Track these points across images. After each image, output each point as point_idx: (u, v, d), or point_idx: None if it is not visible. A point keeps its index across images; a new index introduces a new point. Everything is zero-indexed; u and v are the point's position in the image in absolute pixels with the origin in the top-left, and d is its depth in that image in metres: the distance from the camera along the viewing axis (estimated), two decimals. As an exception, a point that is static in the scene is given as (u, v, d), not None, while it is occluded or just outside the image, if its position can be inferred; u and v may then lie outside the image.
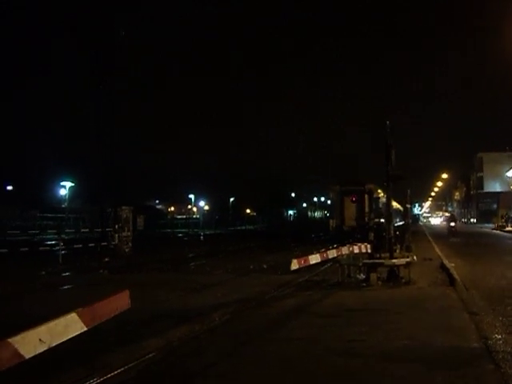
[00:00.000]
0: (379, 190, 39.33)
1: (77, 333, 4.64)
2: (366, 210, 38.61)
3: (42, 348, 4.54)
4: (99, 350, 7.92)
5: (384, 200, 29.90)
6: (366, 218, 37.58)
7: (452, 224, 45.41)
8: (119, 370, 6.76)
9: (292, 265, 12.76)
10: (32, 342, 4.43)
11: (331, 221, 40.91)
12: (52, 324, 4.41)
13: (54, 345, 4.56)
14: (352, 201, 38.65)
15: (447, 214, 54.79)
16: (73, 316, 4.57)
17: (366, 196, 38.91)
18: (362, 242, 17.04)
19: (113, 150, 30.75)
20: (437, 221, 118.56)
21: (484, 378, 6.34)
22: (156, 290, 14.47)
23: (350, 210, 38.81)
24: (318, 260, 13.72)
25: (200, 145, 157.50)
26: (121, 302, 5.39)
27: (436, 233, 51.66)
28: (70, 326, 4.49)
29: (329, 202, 52.45)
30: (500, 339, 8.03)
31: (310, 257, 13.33)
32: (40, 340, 4.42)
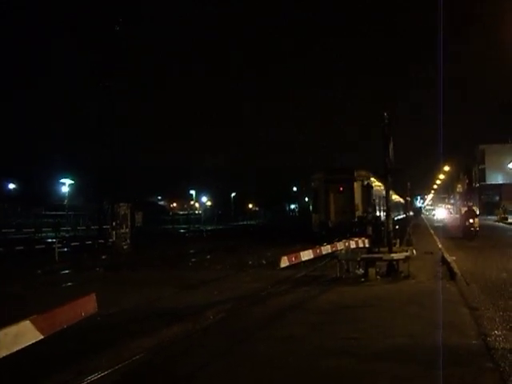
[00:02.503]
0: (372, 178, 33.89)
1: (30, 342, 4.36)
2: (356, 201, 32.39)
3: None
4: (87, 351, 7.73)
5: (378, 189, 29.09)
6: (358, 212, 31.87)
7: (471, 221, 30.29)
8: (103, 374, 6.54)
9: (281, 262, 12.02)
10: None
11: (314, 216, 33.82)
12: (1, 334, 4.14)
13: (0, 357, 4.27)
14: (339, 191, 32.94)
15: (467, 205, 35.09)
16: (26, 324, 4.29)
17: (356, 185, 32.73)
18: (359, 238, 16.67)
19: (112, 148, 30.52)
20: (441, 214, 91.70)
21: (482, 378, 6.11)
22: (151, 287, 14.28)
23: (338, 202, 32.90)
24: (311, 256, 13.28)
25: (201, 143, 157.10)
26: (86, 306, 5.11)
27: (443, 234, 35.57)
28: (22, 336, 4.17)
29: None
30: (500, 336, 7.79)
31: (301, 253, 12.79)
32: None
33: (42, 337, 4.48)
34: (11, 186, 76.49)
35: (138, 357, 7.36)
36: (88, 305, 5.16)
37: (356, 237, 16.61)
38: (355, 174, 32.89)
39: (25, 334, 4.21)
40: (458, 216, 72.02)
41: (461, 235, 30.33)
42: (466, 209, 32.85)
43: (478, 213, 31.79)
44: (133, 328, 9.22)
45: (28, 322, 4.30)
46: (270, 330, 8.91)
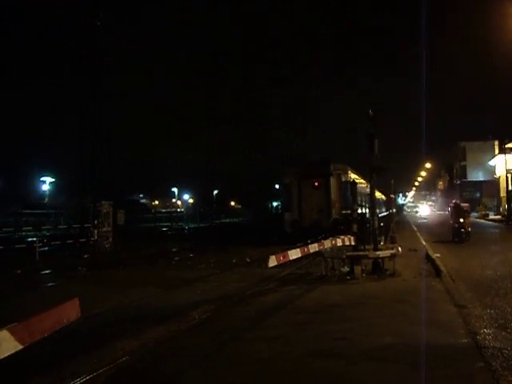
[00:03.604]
0: (350, 172, 31.24)
1: (8, 353, 4.11)
2: (333, 198, 29.73)
3: None
4: (70, 354, 7.49)
5: (358, 184, 28.42)
6: (334, 210, 29.50)
7: (461, 220, 25.70)
8: (85, 379, 6.33)
9: (270, 261, 11.79)
10: None
11: (286, 215, 30.85)
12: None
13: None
14: (314, 187, 29.99)
15: (454, 202, 29.48)
16: (3, 334, 4.03)
17: (333, 180, 29.89)
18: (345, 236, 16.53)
19: (93, 146, 30.02)
20: (424, 210, 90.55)
21: (474, 378, 6.00)
22: (134, 287, 14.03)
23: (312, 199, 30.00)
24: (299, 255, 13.11)
25: (184, 141, 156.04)
26: (69, 311, 4.86)
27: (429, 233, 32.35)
28: (-1, 346, 3.97)
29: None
30: (489, 334, 7.71)
31: (289, 252, 12.63)
32: None
33: (21, 347, 4.23)
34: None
35: (121, 360, 7.16)
36: (71, 310, 4.91)
37: (342, 235, 16.45)
38: (331, 167, 30.13)
39: (1, 344, 3.96)
40: (442, 213, 72.64)
41: (450, 237, 25.93)
42: (453, 204, 28.39)
43: (467, 210, 27.21)
44: (116, 330, 9.00)
45: (5, 331, 4.05)
46: (256, 331, 8.75)
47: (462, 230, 25.32)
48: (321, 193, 29.94)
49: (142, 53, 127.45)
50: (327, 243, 14.53)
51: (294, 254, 12.73)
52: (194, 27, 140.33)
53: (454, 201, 29.62)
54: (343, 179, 30.11)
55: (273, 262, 11.74)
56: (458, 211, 26.27)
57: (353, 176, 31.33)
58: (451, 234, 25.94)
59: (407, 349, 7.16)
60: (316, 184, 29.98)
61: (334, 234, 17.40)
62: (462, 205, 27.82)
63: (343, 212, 28.99)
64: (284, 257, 12.18)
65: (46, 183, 56.08)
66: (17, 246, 27.49)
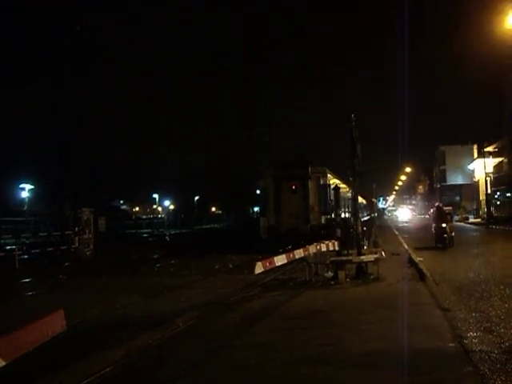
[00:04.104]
0: (330, 175, 29.99)
1: None
2: (311, 202, 28.28)
3: None
4: (50, 365, 7.30)
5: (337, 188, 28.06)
6: (312, 215, 28.11)
7: (443, 225, 23.93)
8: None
9: (256, 268, 11.69)
10: None
11: (262, 220, 29.06)
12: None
13: None
14: (292, 190, 28.41)
15: (436, 205, 26.96)
16: None
17: (311, 183, 28.40)
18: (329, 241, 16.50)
19: (68, 152, 29.68)
20: (405, 214, 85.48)
21: (463, 382, 5.98)
22: (117, 294, 13.83)
23: (290, 203, 28.32)
24: (285, 261, 13.03)
25: (164, 146, 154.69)
26: (54, 324, 4.68)
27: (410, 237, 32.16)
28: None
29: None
30: (475, 337, 7.71)
31: (275, 258, 12.53)
32: None
33: (3, 363, 4.07)
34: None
35: (106, 370, 7.03)
36: (56, 323, 4.73)
37: (325, 240, 16.43)
38: (310, 169, 28.59)
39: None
40: (422, 217, 72.96)
41: (433, 242, 24.51)
42: (435, 207, 26.28)
43: (450, 213, 25.95)
44: (99, 339, 8.83)
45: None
46: (242, 338, 8.65)
47: (445, 235, 23.69)
48: (298, 197, 28.44)
49: (142, 53, 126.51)
50: (312, 248, 14.50)
51: (280, 260, 12.68)
52: (193, 27, 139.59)
53: (436, 204, 27.43)
54: (322, 182, 28.86)
55: (259, 268, 11.66)
56: (440, 215, 24.65)
57: (333, 179, 30.37)
58: (434, 239, 24.49)
59: (394, 354, 7.10)
60: (293, 187, 28.45)
61: (313, 240, 16.71)
62: (445, 208, 26.23)
63: (325, 217, 28.01)
64: (270, 263, 12.11)
65: (25, 190, 55.36)
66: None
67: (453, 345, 7.38)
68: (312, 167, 28.82)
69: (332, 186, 28.31)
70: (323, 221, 27.62)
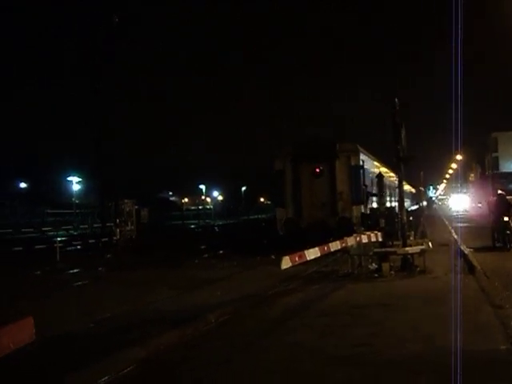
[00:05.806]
0: (363, 155, 24.47)
1: None
2: (339, 188, 22.76)
3: None
4: (74, 362, 6.94)
5: (372, 170, 25.24)
6: (340, 204, 22.70)
7: (505, 219, 18.63)
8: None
9: (283, 262, 10.71)
10: None
11: (279, 212, 23.90)
12: None
13: None
14: (315, 174, 22.97)
15: (497, 193, 19.96)
16: None
17: (339, 164, 22.90)
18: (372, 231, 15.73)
19: (113, 145, 29.62)
20: (460, 203, 74.85)
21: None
22: (153, 288, 13.49)
23: (313, 191, 23.01)
24: (318, 255, 12.14)
25: (212, 139, 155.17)
26: (19, 335, 4.14)
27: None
28: None
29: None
30: (530, 339, 6.98)
31: (306, 252, 11.70)
32: None
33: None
34: (22, 185, 76.17)
35: (129, 369, 6.67)
36: (21, 333, 4.22)
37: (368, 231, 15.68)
38: (337, 147, 23.17)
39: None
40: (474, 206, 68.03)
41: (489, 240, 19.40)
42: (495, 198, 20.45)
43: None
44: (128, 334, 8.44)
45: None
46: (275, 336, 8.18)
47: (508, 232, 18.61)
48: (323, 182, 22.99)
49: (142, 53, 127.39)
50: (351, 240, 13.83)
51: (313, 253, 11.85)
52: (194, 27, 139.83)
53: (498, 192, 20.81)
54: (353, 163, 23.16)
55: (286, 263, 10.79)
56: (502, 206, 19.31)
57: (366, 159, 25.29)
58: (491, 235, 19.44)
59: (440, 356, 6.46)
60: (317, 170, 22.93)
61: (343, 235, 14.45)
62: (508, 198, 20.49)
63: (357, 207, 22.97)
64: (300, 257, 11.30)
65: (74, 183, 56.22)
66: (38, 246, 27.36)
67: (504, 347, 6.71)
68: (340, 144, 23.49)
69: (369, 170, 24.61)
70: (355, 212, 22.76)
